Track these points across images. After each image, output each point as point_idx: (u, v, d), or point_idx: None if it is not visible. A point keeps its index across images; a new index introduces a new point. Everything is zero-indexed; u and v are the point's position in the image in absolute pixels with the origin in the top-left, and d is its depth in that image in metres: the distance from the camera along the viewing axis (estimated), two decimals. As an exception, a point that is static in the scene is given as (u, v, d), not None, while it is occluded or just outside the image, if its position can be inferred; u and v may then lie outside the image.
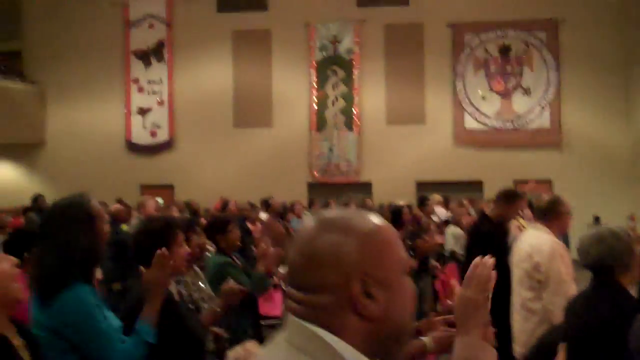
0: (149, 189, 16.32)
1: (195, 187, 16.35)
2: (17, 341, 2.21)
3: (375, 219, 1.25)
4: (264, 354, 1.31)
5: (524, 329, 4.38)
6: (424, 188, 15.18)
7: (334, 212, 1.28)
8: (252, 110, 17.26)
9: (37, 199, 11.77)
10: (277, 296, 6.10)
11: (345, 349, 1.15)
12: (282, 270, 5.78)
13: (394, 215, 7.12)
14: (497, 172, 15.46)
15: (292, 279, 1.25)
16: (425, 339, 2.39)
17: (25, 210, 11.34)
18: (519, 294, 4.46)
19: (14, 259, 2.20)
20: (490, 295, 1.56)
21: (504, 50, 16.48)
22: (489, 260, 1.58)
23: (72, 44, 17.63)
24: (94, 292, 2.61)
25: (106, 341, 2.51)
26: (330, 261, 1.18)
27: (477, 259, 1.59)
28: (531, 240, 4.53)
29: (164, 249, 2.74)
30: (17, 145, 17.72)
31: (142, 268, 2.74)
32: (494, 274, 1.57)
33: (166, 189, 16.74)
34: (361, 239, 1.20)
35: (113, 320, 2.64)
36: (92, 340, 2.48)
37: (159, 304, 2.67)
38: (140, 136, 17.66)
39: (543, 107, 16.26)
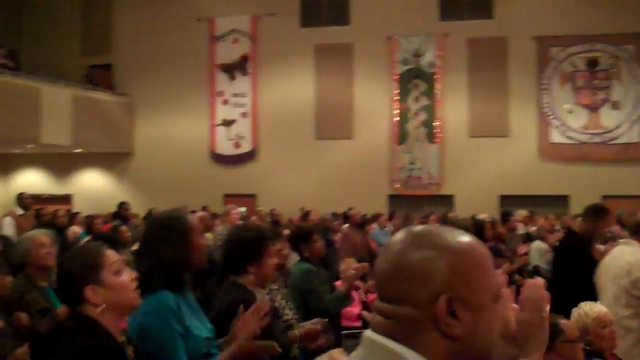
0: (232, 198, 16.90)
1: (276, 197, 16.99)
2: (129, 351, 2.30)
3: (469, 238, 1.26)
4: None
5: (619, 348, 4.08)
6: (508, 202, 15.42)
7: (425, 227, 1.30)
8: (333, 122, 17.79)
9: (121, 206, 12.15)
10: (350, 312, 6.26)
11: None
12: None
13: (476, 229, 7.17)
14: (584, 187, 15.55)
15: (379, 289, 1.28)
16: None
17: (114, 217, 12.04)
18: (615, 312, 4.13)
19: (132, 274, 2.32)
20: (546, 316, 1.59)
21: (592, 64, 16.58)
22: (540, 280, 1.64)
23: (160, 58, 18.54)
24: (182, 301, 2.68)
25: (170, 351, 2.55)
26: (419, 276, 1.19)
27: (530, 281, 1.64)
28: (628, 256, 4.46)
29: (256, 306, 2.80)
30: (107, 155, 18.78)
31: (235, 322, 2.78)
32: (547, 294, 1.60)
33: (249, 198, 17.34)
34: (454, 257, 1.21)
35: (201, 328, 2.71)
36: (158, 347, 2.54)
37: (240, 353, 2.72)
38: (225, 147, 18.39)
39: (633, 121, 16.21)
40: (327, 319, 3.72)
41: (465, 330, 1.18)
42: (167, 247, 2.67)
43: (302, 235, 5.15)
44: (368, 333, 1.24)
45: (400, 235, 1.28)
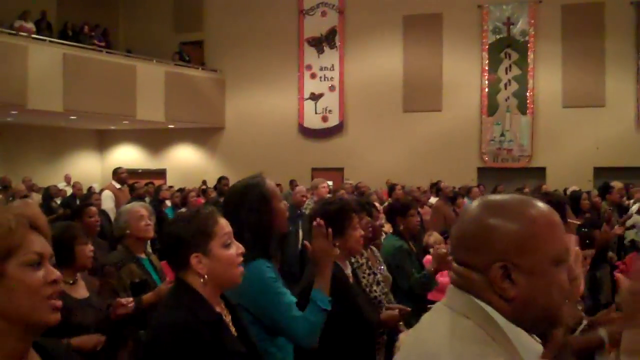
0: (319, 172, 17.84)
1: (363, 171, 17.77)
2: (227, 316, 2.33)
3: (536, 207, 1.38)
4: (427, 318, 1.46)
5: None
6: (603, 174, 15.58)
7: (497, 196, 1.44)
8: (421, 94, 18.37)
9: (221, 180, 12.68)
10: (445, 283, 6.64)
11: (499, 316, 1.33)
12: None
13: (572, 201, 7.40)
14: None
15: (453, 252, 1.46)
16: (602, 333, 2.52)
17: (205, 190, 13.01)
18: None
19: (240, 248, 2.31)
20: None
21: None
22: None
23: (250, 33, 19.63)
24: (273, 268, 2.82)
25: (286, 311, 2.68)
26: (479, 243, 1.36)
27: None
28: None
29: (318, 219, 2.89)
30: (199, 130, 20.12)
31: (306, 243, 2.90)
32: None
33: (336, 172, 18.14)
34: (514, 225, 1.34)
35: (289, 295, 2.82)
36: (273, 311, 2.67)
37: (329, 273, 2.85)
38: (312, 121, 19.28)
39: None
40: (409, 309, 3.82)
41: (521, 293, 1.32)
42: (247, 213, 2.76)
43: (399, 209, 5.33)
44: (451, 286, 1.43)
45: (474, 204, 1.45)
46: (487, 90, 17.99)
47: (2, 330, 1.37)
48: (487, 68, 18.02)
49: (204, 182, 15.35)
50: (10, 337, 1.39)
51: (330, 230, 2.82)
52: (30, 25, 16.68)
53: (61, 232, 3.50)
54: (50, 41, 16.44)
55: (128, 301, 3.73)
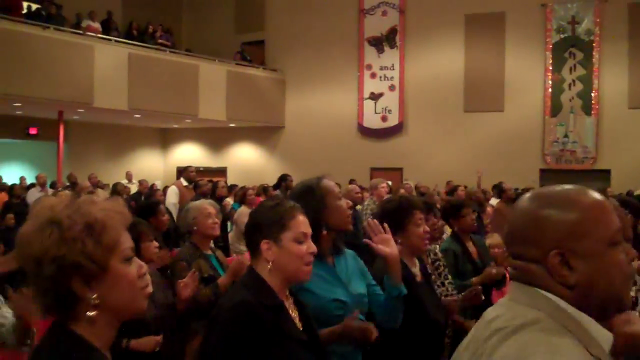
0: (378, 172, 18.28)
1: (423, 171, 18.06)
2: (293, 312, 2.44)
3: (584, 191, 1.45)
4: (490, 313, 1.49)
5: None
6: (671, 177, 15.45)
7: (546, 187, 1.51)
8: (483, 94, 18.65)
9: (286, 178, 12.95)
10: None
11: (567, 305, 1.37)
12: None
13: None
14: None
15: (508, 247, 1.50)
16: None
17: (266, 189, 13.22)
18: None
19: (312, 247, 2.44)
20: None
21: None
22: None
23: (310, 33, 20.26)
24: (326, 267, 2.96)
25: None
26: (533, 235, 1.41)
27: None
28: None
29: (369, 220, 3.09)
30: (259, 129, 20.88)
31: (367, 241, 3.03)
32: None
33: (395, 172, 18.57)
34: (564, 214, 1.40)
35: (332, 290, 2.93)
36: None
37: (399, 271, 3.02)
38: (372, 120, 19.76)
39: None
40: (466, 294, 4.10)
41: (582, 278, 1.37)
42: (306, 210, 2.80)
43: (452, 209, 5.40)
44: (513, 282, 1.48)
45: (524, 198, 1.50)
46: (550, 90, 18.10)
47: (105, 321, 1.48)
48: (550, 68, 18.13)
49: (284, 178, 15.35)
50: (111, 328, 1.52)
51: (386, 226, 2.99)
52: (96, 25, 17.61)
53: (129, 228, 3.65)
54: (115, 41, 17.26)
55: (190, 280, 3.85)
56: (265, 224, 2.41)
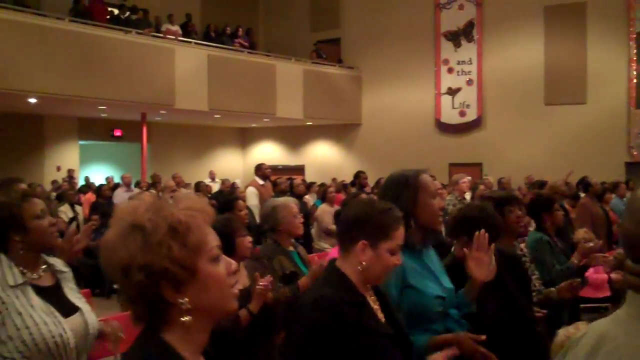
0: (457, 167, 18.51)
1: (503, 166, 18.19)
2: (375, 304, 2.48)
3: None
4: (603, 327, 1.37)
5: None
6: None
7: None
8: (564, 86, 18.73)
9: (359, 175, 13.44)
10: (599, 279, 6.12)
11: None
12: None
13: None
14: None
15: (628, 250, 1.37)
16: None
17: (346, 186, 13.77)
18: None
19: (399, 261, 2.50)
20: None
21: None
22: None
23: (386, 29, 20.80)
24: (413, 259, 2.95)
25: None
26: None
27: None
28: None
29: (482, 231, 3.04)
30: (336, 126, 21.53)
31: (464, 250, 3.10)
32: None
33: (474, 167, 18.85)
34: None
35: (433, 287, 2.95)
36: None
37: (479, 284, 3.04)
38: (450, 116, 20.08)
39: None
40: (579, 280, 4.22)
41: None
42: (395, 201, 2.79)
43: (543, 204, 5.37)
44: (630, 292, 1.34)
45: None
46: (635, 81, 18.00)
47: (198, 325, 1.45)
48: (635, 58, 18.01)
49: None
50: (204, 331, 1.49)
51: (486, 236, 3.02)
52: (176, 28, 18.58)
53: (223, 224, 3.69)
54: (195, 43, 18.14)
55: (266, 281, 3.82)
56: (369, 225, 2.43)
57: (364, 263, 2.38)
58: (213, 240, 1.49)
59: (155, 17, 18.57)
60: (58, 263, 2.96)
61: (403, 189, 2.99)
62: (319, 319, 2.26)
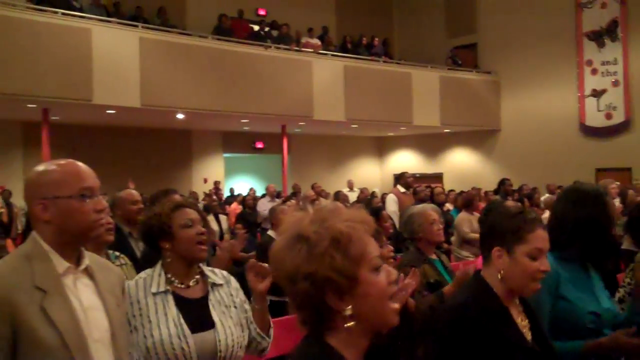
0: (604, 172, 18.32)
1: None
2: (523, 320, 2.46)
3: None
4: None
5: None
6: None
7: None
8: None
9: (504, 182, 13.46)
10: None
11: None
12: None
13: None
14: None
15: None
16: None
17: (495, 193, 13.63)
18: None
19: (548, 267, 2.44)
20: None
21: None
22: None
23: (523, 32, 20.99)
24: (571, 270, 2.94)
25: (543, 313, 2.74)
26: None
27: None
28: None
29: None
30: (474, 133, 21.86)
31: None
32: None
33: (623, 172, 18.54)
34: None
35: (588, 301, 2.87)
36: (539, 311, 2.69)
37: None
38: (595, 118, 19.87)
39: None
40: None
41: None
42: (569, 212, 2.91)
43: None
44: None
45: None
46: None
47: (360, 331, 1.54)
48: None
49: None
50: (365, 338, 1.57)
51: None
52: (315, 41, 19.59)
53: None
54: (332, 55, 19.05)
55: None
56: (500, 231, 2.45)
57: (502, 270, 2.39)
58: (374, 250, 1.56)
59: (296, 32, 19.64)
60: (218, 275, 3.01)
61: (587, 201, 2.99)
62: (453, 326, 2.32)
